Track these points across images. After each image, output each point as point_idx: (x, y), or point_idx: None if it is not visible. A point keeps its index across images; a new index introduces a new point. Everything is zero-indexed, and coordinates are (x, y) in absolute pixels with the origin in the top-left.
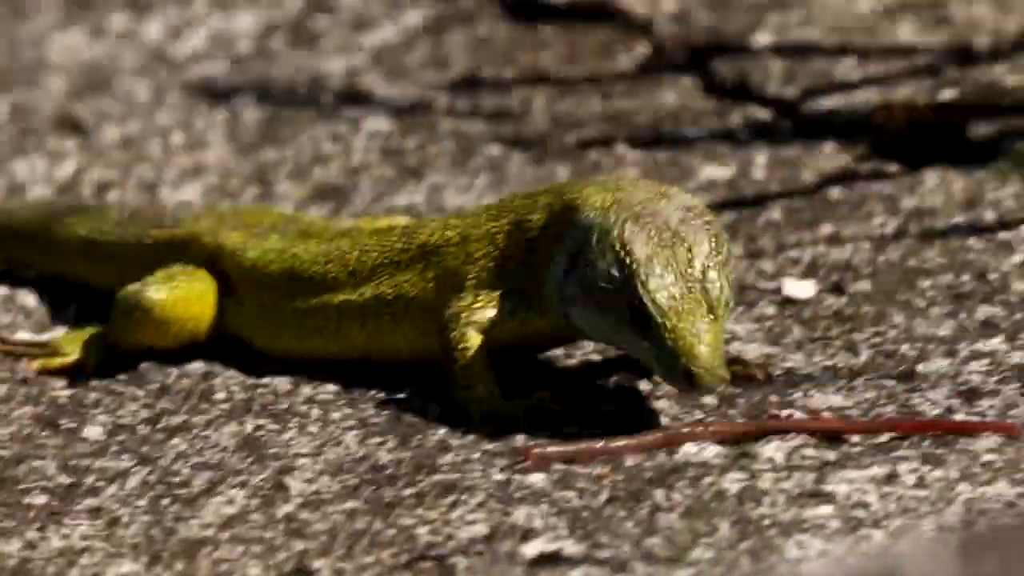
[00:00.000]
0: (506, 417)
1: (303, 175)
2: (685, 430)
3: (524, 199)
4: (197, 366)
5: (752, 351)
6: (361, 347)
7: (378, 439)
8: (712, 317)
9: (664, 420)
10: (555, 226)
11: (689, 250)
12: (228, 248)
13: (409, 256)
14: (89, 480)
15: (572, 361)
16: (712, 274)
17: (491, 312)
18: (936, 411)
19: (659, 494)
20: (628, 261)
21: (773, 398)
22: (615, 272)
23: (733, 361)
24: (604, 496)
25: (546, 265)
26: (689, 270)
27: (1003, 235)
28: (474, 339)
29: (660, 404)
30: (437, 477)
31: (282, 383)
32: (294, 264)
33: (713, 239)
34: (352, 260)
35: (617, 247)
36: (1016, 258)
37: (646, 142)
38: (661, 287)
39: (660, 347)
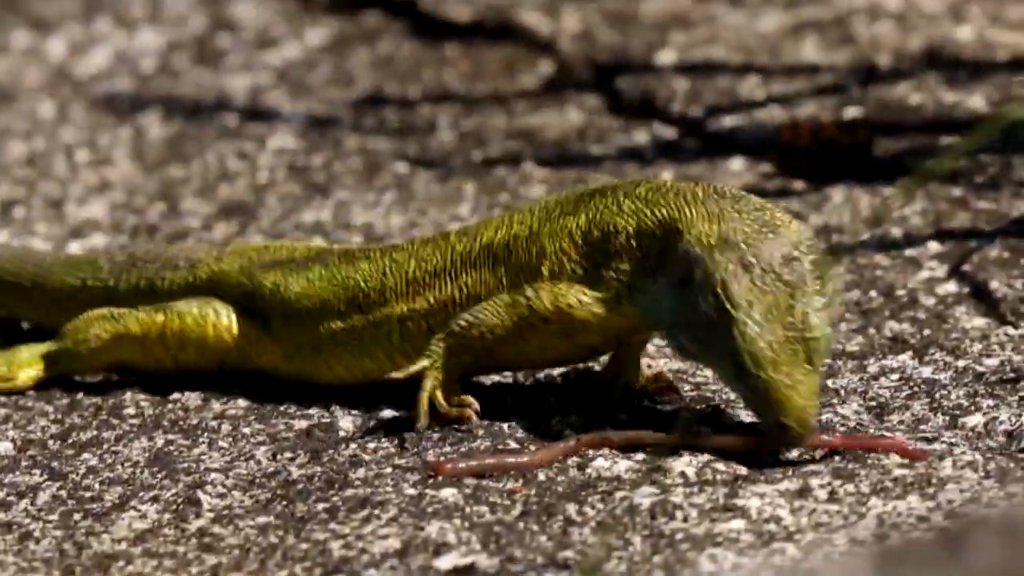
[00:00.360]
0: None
1: (209, 192)
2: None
3: (601, 198)
4: (106, 381)
5: (661, 366)
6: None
7: (289, 454)
8: (809, 367)
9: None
10: (648, 240)
11: (791, 295)
12: (268, 287)
13: (474, 257)
14: (0, 495)
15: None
16: (812, 321)
17: (573, 289)
18: (847, 425)
19: (572, 508)
20: (728, 307)
21: (684, 413)
22: (715, 315)
23: (656, 378)
24: (517, 510)
25: (633, 274)
26: (790, 319)
27: (910, 251)
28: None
29: (571, 420)
30: (349, 492)
31: (192, 398)
32: (347, 284)
33: (817, 281)
34: (410, 270)
35: (719, 290)
36: (923, 274)
37: (552, 160)
38: (759, 338)
39: (755, 394)
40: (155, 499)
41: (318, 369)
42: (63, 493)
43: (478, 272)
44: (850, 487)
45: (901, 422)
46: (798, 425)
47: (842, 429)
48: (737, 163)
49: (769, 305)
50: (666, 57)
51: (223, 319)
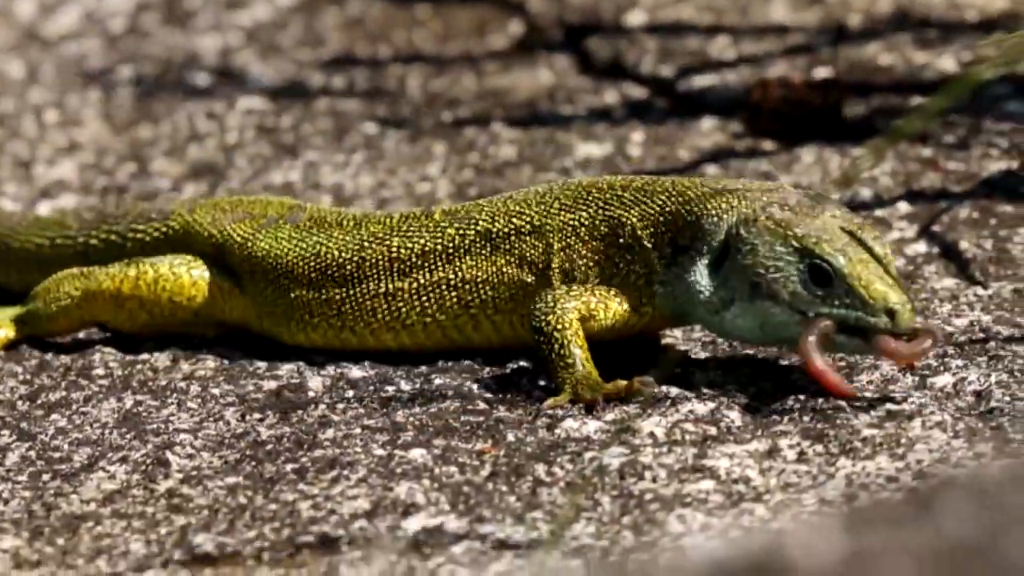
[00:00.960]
0: (599, 401)
1: (179, 153)
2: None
3: (599, 191)
4: (75, 342)
5: None
6: (419, 337)
7: (258, 415)
8: (884, 265)
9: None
10: (659, 225)
11: (834, 216)
12: (237, 241)
13: (468, 242)
14: None
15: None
16: (866, 233)
17: (591, 299)
18: (816, 386)
19: (541, 469)
20: (791, 232)
21: (654, 373)
22: (780, 248)
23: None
24: (486, 471)
25: (658, 264)
26: (844, 232)
27: (880, 212)
28: (572, 321)
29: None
30: (318, 452)
31: (161, 359)
32: (320, 254)
33: (843, 208)
34: (393, 248)
35: (772, 226)
36: (893, 234)
37: (522, 120)
38: (833, 243)
39: (849, 297)
40: (124, 460)
41: (292, 333)
42: (32, 454)
43: (474, 258)
44: (819, 447)
45: (870, 382)
46: (903, 306)
47: (812, 389)
48: (707, 123)
49: (823, 226)
50: (636, 18)
51: (196, 272)
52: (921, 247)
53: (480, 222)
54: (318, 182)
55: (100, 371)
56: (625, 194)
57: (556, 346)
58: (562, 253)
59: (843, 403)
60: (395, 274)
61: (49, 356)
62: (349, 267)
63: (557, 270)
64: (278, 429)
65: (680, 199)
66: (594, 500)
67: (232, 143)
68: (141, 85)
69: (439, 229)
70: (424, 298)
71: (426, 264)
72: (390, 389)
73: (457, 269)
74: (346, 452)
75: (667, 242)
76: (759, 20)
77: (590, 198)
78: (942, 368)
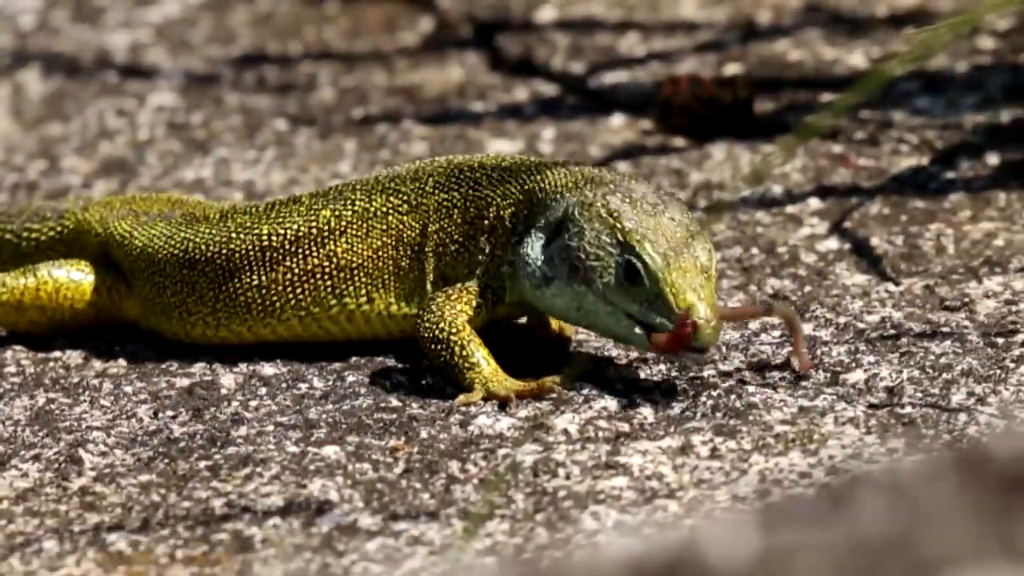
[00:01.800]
0: (512, 397)
1: (89, 150)
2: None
3: (471, 170)
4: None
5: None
6: (296, 330)
7: (171, 412)
8: (705, 277)
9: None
10: (518, 205)
11: (672, 219)
12: (118, 239)
13: (343, 224)
14: None
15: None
16: (697, 242)
17: (473, 298)
18: (728, 383)
19: (454, 466)
20: (619, 225)
21: (566, 371)
22: (605, 237)
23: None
24: (399, 468)
25: (510, 243)
26: (676, 236)
27: (791, 208)
28: (464, 323)
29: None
30: (231, 449)
31: (73, 357)
32: (188, 249)
33: (688, 213)
34: (263, 237)
35: (604, 214)
36: (804, 231)
37: (433, 117)
38: (656, 244)
39: (657, 301)
40: (36, 457)
41: (172, 330)
42: None
43: (349, 241)
44: (732, 444)
45: (783, 378)
46: (706, 323)
47: (725, 384)
48: (618, 120)
49: (655, 224)
50: (546, 14)
51: (92, 275)
52: (832, 244)
53: (356, 201)
54: (229, 179)
55: (12, 368)
56: (494, 173)
57: (457, 349)
58: (436, 236)
59: (756, 399)
60: (266, 264)
61: None
62: (219, 261)
63: (431, 254)
64: (191, 426)
65: (537, 179)
66: (508, 497)
67: (143, 140)
68: (51, 82)
69: (311, 212)
70: (298, 289)
71: (298, 250)
72: (303, 386)
73: (331, 254)
74: (259, 449)
75: (521, 219)
76: (669, 17)
77: (462, 176)
78: (854, 364)
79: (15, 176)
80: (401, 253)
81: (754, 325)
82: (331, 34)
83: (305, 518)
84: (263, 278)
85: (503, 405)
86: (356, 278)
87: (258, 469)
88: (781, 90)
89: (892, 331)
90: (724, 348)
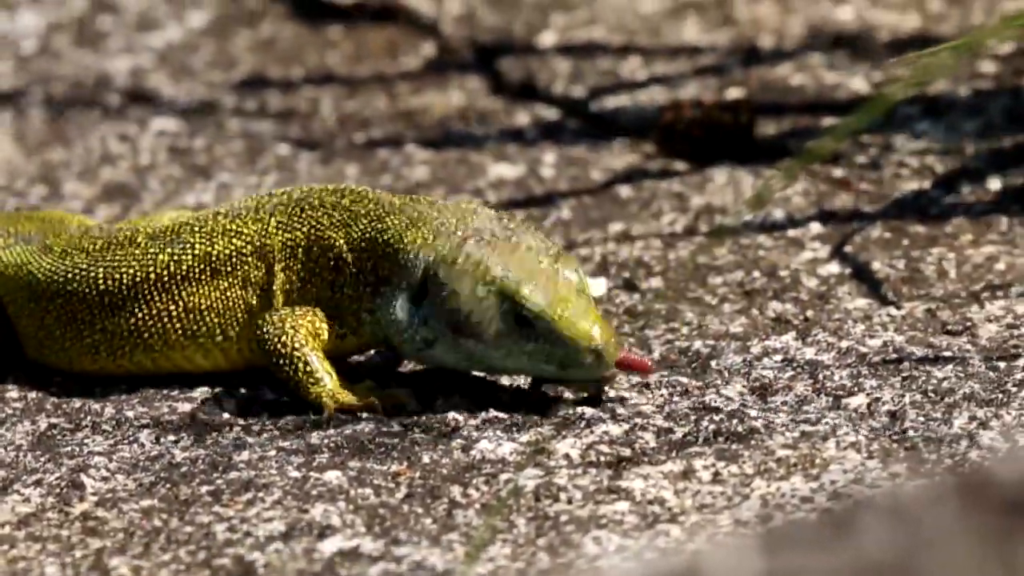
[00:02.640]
0: (362, 408)
1: (91, 175)
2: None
3: (312, 208)
4: None
5: None
6: (147, 364)
7: (173, 437)
8: (585, 298)
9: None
10: (361, 253)
11: (529, 248)
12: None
13: (185, 269)
14: None
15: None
16: (562, 264)
17: (316, 320)
18: (730, 407)
19: (456, 490)
20: (488, 276)
21: (568, 396)
22: (480, 291)
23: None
24: (401, 493)
25: (363, 289)
26: (542, 266)
27: (792, 232)
28: (306, 338)
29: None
30: (233, 474)
31: (74, 381)
32: (31, 284)
33: (539, 235)
34: (100, 280)
35: (469, 268)
36: (806, 255)
37: (435, 141)
38: (533, 285)
39: (554, 341)
40: (38, 483)
41: (60, 361)
42: None
43: (194, 285)
44: (734, 468)
45: (784, 403)
46: (607, 344)
47: (728, 408)
48: (619, 144)
49: (519, 261)
50: (548, 38)
51: None
52: (834, 268)
53: (196, 245)
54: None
55: (14, 394)
56: (335, 214)
57: (301, 364)
58: (283, 275)
59: (757, 424)
60: (107, 308)
61: None
62: (59, 300)
63: (279, 292)
64: (193, 451)
65: (379, 228)
66: (510, 522)
67: (145, 165)
68: (53, 107)
69: (148, 257)
70: (145, 333)
71: (140, 296)
72: (305, 411)
73: (176, 299)
74: (261, 474)
75: (370, 269)
76: (671, 41)
77: (304, 216)
78: (856, 389)
79: (16, 201)
80: (249, 292)
81: (756, 349)
82: (333, 59)
83: (307, 543)
84: (106, 323)
85: (352, 412)
86: (206, 317)
87: (260, 494)
88: (783, 114)
89: (894, 355)
90: (726, 373)
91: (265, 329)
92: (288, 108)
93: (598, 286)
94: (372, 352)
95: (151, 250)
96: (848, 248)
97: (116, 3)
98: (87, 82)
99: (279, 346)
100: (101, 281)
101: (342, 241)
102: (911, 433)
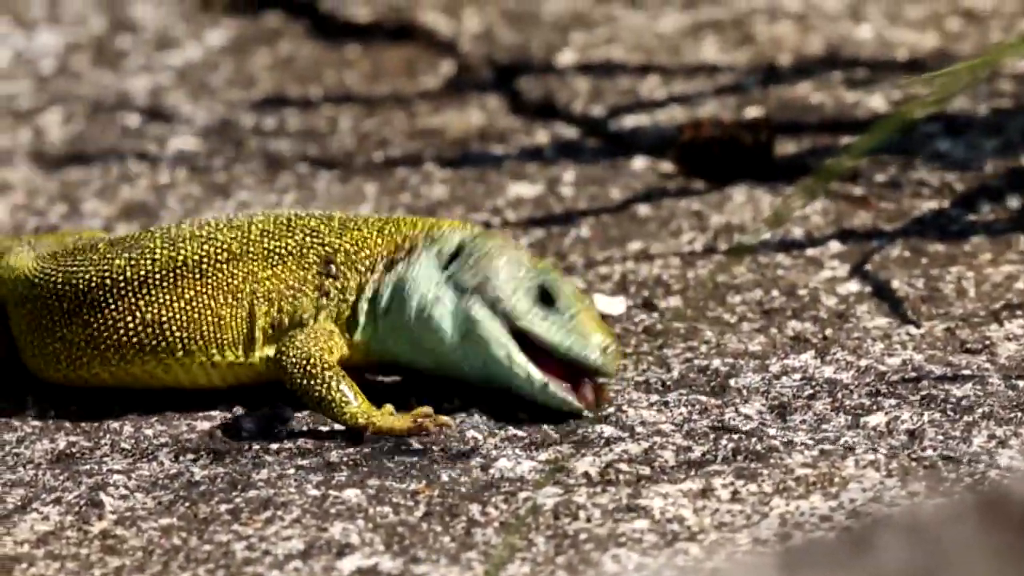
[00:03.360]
0: (393, 430)
1: (110, 193)
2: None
3: (310, 220)
4: (8, 383)
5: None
6: (143, 376)
7: (192, 455)
8: (598, 314)
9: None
10: (373, 249)
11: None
12: (1, 272)
13: (175, 273)
14: None
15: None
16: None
17: (333, 335)
18: (749, 426)
19: (475, 509)
20: (523, 256)
21: (587, 414)
22: (512, 266)
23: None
24: (420, 511)
25: (367, 283)
26: (557, 271)
27: (811, 251)
28: (332, 360)
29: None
30: (252, 493)
31: (94, 400)
32: (36, 286)
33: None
34: (98, 280)
35: (509, 246)
36: (825, 274)
37: (453, 160)
38: (561, 277)
39: (570, 324)
40: (57, 501)
41: (48, 371)
42: None
43: (156, 293)
44: (752, 487)
45: (803, 421)
46: (615, 350)
47: (747, 427)
48: (638, 163)
49: (531, 260)
50: (567, 57)
51: None
52: (853, 286)
53: (158, 250)
54: None
55: (32, 412)
56: (332, 223)
57: (333, 384)
58: (267, 283)
59: (776, 443)
60: (67, 316)
61: None
62: (28, 306)
63: (261, 301)
64: (212, 470)
65: (400, 224)
66: (528, 540)
67: (164, 183)
68: (72, 125)
69: (106, 262)
70: (102, 345)
71: (97, 304)
72: (324, 428)
73: (135, 308)
74: (280, 492)
75: (382, 261)
76: (690, 60)
77: (292, 225)
78: (875, 407)
79: (36, 220)
80: (221, 302)
81: (774, 368)
82: (352, 78)
83: (326, 561)
84: (65, 332)
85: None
86: (169, 329)
87: (279, 512)
88: (802, 133)
89: (913, 374)
90: (745, 391)
91: (289, 355)
92: (307, 127)
93: (616, 305)
94: (386, 377)
95: (109, 256)
96: (867, 267)
97: (135, 22)
98: (106, 101)
99: (307, 367)
100: (63, 288)
101: (348, 245)
102: (930, 452)
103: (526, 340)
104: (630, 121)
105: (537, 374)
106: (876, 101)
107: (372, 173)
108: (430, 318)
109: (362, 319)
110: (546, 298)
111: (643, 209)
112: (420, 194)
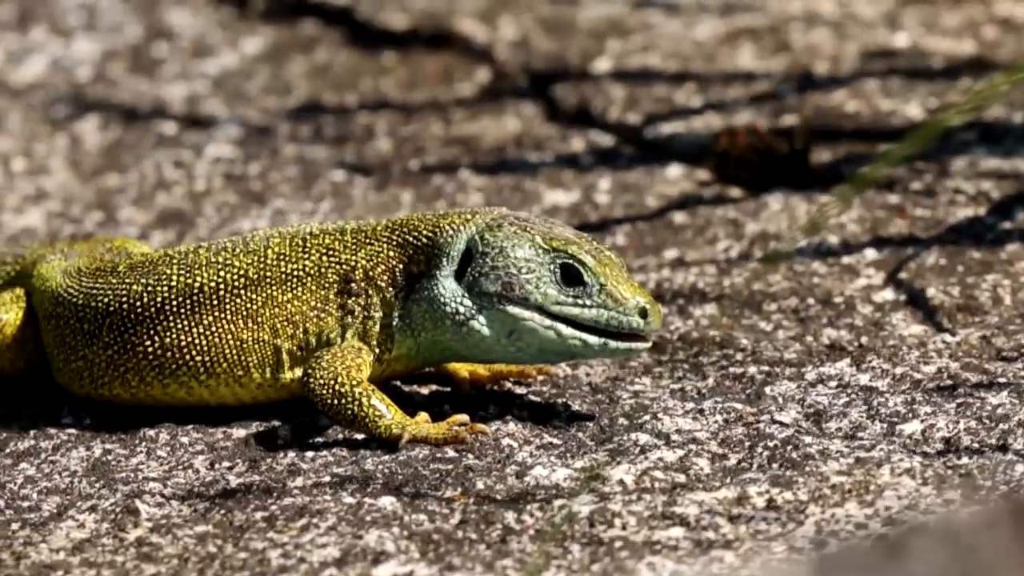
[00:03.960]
0: (428, 439)
1: (146, 201)
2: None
3: (324, 236)
4: (42, 390)
5: (599, 375)
6: (164, 397)
7: (228, 463)
8: (627, 272)
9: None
10: (395, 263)
11: (564, 227)
12: (33, 283)
13: (192, 300)
14: None
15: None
16: (604, 248)
17: (359, 353)
18: (784, 433)
19: (510, 517)
20: (537, 236)
21: (622, 421)
22: (528, 249)
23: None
24: (456, 519)
25: (395, 299)
26: (583, 239)
27: (847, 259)
28: (361, 378)
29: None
30: (288, 500)
31: (130, 407)
32: (60, 304)
33: (580, 234)
34: (116, 305)
35: (519, 230)
36: (861, 281)
37: (490, 167)
38: (584, 245)
39: (602, 296)
40: (93, 508)
41: (73, 386)
42: (0, 503)
43: (207, 316)
44: (788, 495)
45: (839, 429)
46: (652, 306)
47: (783, 435)
48: (674, 170)
49: (563, 231)
50: (603, 65)
51: (13, 319)
52: (888, 294)
53: (174, 277)
54: None
55: (68, 420)
56: (346, 239)
57: (365, 400)
58: (289, 306)
59: (812, 450)
60: (88, 336)
61: (16, 405)
62: (53, 322)
63: (285, 324)
64: (247, 477)
65: (406, 230)
66: (564, 548)
67: (200, 191)
68: (108, 133)
69: (124, 287)
70: (122, 367)
71: (116, 328)
72: (359, 437)
73: (153, 334)
74: (315, 500)
75: (400, 271)
76: (726, 68)
77: (308, 246)
78: (911, 415)
79: (72, 227)
80: (241, 327)
81: (810, 375)
82: (388, 85)
83: (361, 569)
84: (87, 352)
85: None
86: (189, 354)
87: (314, 520)
88: (838, 141)
89: (949, 381)
90: (781, 399)
91: (317, 375)
92: (343, 134)
93: None
94: (421, 387)
95: (128, 281)
96: (903, 274)
97: (171, 30)
98: (143, 108)
99: (337, 386)
100: (83, 310)
101: (363, 260)
102: (965, 459)
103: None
104: (666, 129)
105: (592, 338)
106: (913, 109)
107: (408, 180)
108: (470, 330)
109: (397, 336)
110: (571, 277)
111: (679, 217)
112: (456, 202)
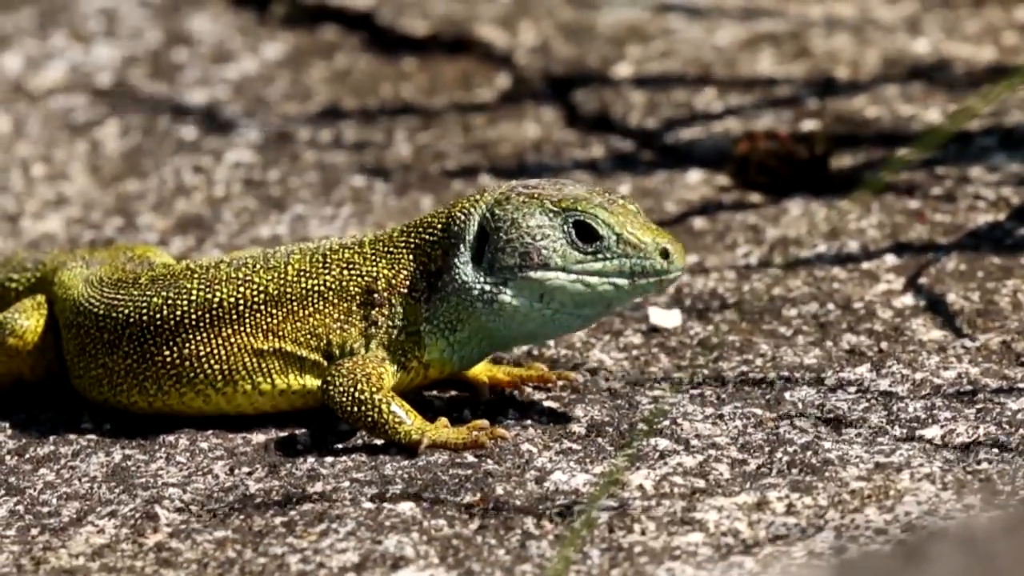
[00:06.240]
0: (448, 444)
1: (166, 207)
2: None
3: (344, 251)
4: (62, 396)
5: (618, 380)
6: (180, 407)
7: (247, 468)
8: (643, 216)
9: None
10: (413, 267)
11: (575, 185)
12: (53, 290)
13: (212, 315)
14: None
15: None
16: (618, 197)
17: (381, 362)
18: (804, 439)
19: (530, 522)
20: (546, 200)
21: (641, 426)
22: (539, 215)
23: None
24: (475, 524)
25: (420, 304)
26: (595, 192)
27: (867, 264)
28: (380, 385)
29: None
30: (307, 506)
31: (147, 415)
32: (80, 313)
33: (594, 188)
34: (135, 317)
35: (527, 198)
36: (880, 287)
37: (509, 173)
38: (594, 199)
39: (621, 245)
40: (113, 514)
41: (92, 393)
42: (20, 508)
43: (225, 331)
44: (808, 500)
45: (858, 434)
46: (674, 246)
47: (802, 440)
48: (694, 176)
49: (573, 189)
50: (623, 70)
51: (33, 326)
52: (908, 299)
53: (195, 291)
54: (306, 236)
55: (88, 425)
56: (365, 250)
57: (384, 406)
58: (311, 319)
59: (832, 456)
60: (108, 346)
61: (37, 410)
62: (72, 331)
63: (308, 338)
64: (267, 482)
65: (420, 229)
66: (583, 553)
67: (219, 197)
68: (128, 138)
69: (145, 299)
70: (140, 377)
71: (135, 340)
72: (378, 442)
73: (172, 347)
74: (335, 505)
75: (422, 276)
76: (746, 73)
77: (328, 261)
78: (930, 420)
79: (92, 233)
80: (260, 340)
81: (830, 381)
82: (408, 91)
83: (381, 574)
84: (107, 360)
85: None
86: (208, 363)
87: (334, 525)
88: (858, 146)
89: (968, 387)
90: (800, 404)
91: (337, 383)
92: (363, 140)
93: (672, 318)
94: (441, 392)
95: (149, 294)
96: (923, 280)
97: (191, 36)
98: (162, 114)
99: (357, 393)
100: (103, 320)
101: (384, 270)
102: (985, 465)
103: None
104: (686, 134)
105: (621, 280)
106: (932, 114)
107: (428, 186)
108: (501, 306)
109: (426, 339)
110: (586, 233)
111: (699, 222)
112: None
